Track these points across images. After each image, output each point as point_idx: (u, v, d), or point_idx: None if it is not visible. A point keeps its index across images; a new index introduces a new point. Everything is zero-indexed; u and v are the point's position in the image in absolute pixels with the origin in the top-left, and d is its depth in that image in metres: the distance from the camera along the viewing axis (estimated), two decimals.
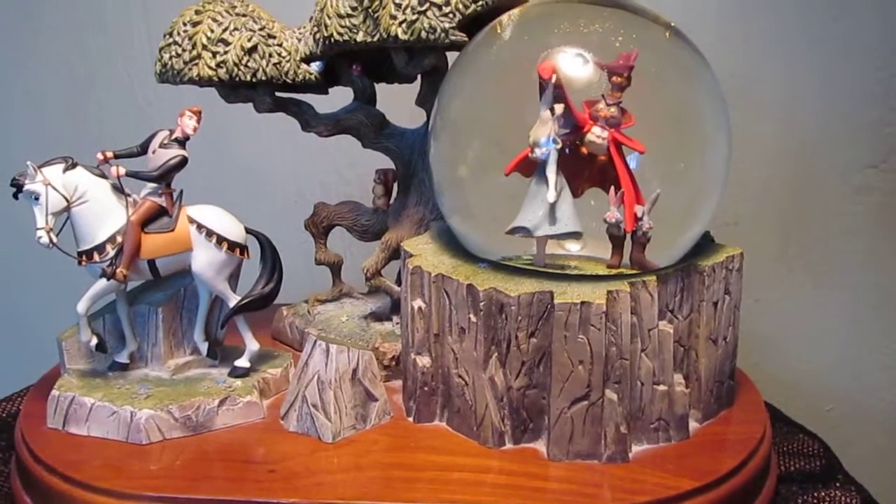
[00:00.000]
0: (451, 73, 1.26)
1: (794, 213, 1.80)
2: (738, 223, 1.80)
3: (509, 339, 1.09)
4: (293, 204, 1.87)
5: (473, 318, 1.11)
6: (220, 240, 1.22)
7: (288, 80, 1.32)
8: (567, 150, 1.12)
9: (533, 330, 1.09)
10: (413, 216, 1.40)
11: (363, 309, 1.50)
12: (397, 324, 1.38)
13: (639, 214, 1.11)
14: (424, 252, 1.24)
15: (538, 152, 1.08)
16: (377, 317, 1.45)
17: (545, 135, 1.08)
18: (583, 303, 1.06)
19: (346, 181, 1.90)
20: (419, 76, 1.40)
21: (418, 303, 1.18)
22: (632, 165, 1.11)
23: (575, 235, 1.10)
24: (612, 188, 1.11)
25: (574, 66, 1.12)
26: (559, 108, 1.08)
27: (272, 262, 1.29)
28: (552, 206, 1.08)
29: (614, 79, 1.10)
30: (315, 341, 1.18)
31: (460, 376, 1.15)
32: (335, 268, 1.56)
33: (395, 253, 1.38)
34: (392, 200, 1.48)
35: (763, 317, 1.82)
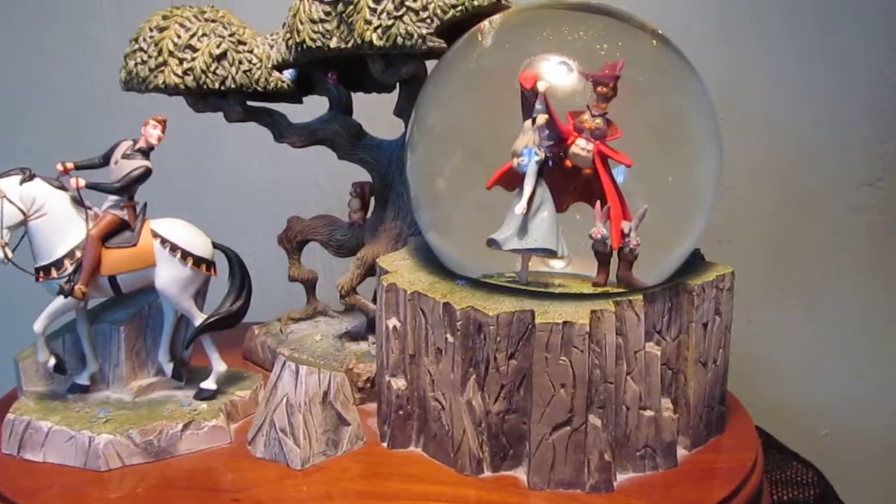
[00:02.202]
0: (429, 81, 1.25)
1: (787, 231, 1.79)
2: (732, 241, 1.78)
3: (488, 361, 1.07)
4: (270, 217, 1.80)
5: (451, 339, 1.09)
6: (186, 255, 1.20)
7: (259, 89, 1.31)
8: (550, 163, 1.11)
9: (513, 351, 1.07)
10: (390, 231, 1.39)
11: (338, 328, 1.48)
12: (373, 344, 1.36)
13: (625, 230, 1.10)
14: (401, 268, 1.23)
15: (516, 162, 1.08)
16: (352, 336, 1.44)
17: (525, 145, 1.07)
18: (565, 323, 1.04)
19: (325, 194, 1.89)
20: (397, 85, 1.39)
21: (393, 322, 1.17)
22: (618, 179, 1.10)
23: (548, 252, 1.09)
24: (598, 203, 1.10)
25: (558, 74, 1.11)
26: (541, 118, 1.07)
27: (241, 278, 1.27)
28: (524, 220, 1.07)
29: (599, 89, 1.09)
30: (284, 362, 1.16)
31: (437, 399, 1.13)
32: (309, 285, 1.54)
33: (372, 269, 1.36)
34: (369, 215, 1.47)
35: (755, 338, 1.81)
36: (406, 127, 1.34)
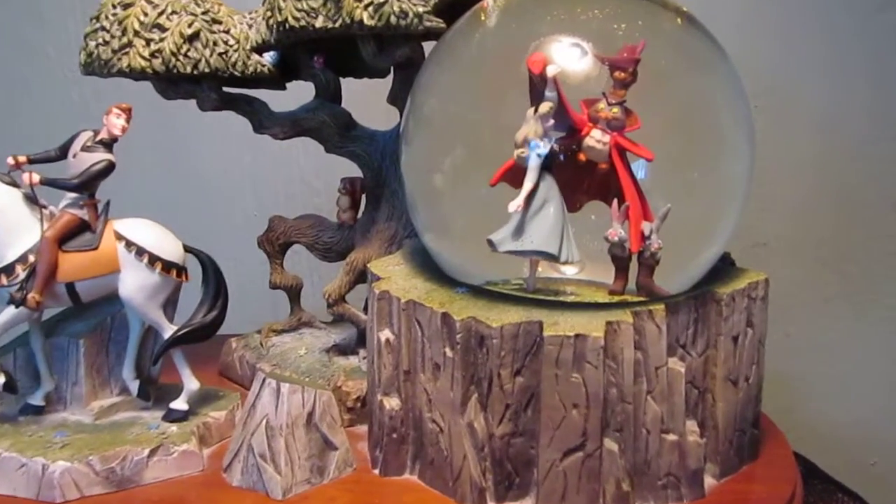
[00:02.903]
0: (426, 65, 1.25)
1: (833, 234, 1.80)
2: (768, 244, 1.80)
3: (491, 378, 1.08)
4: (252, 218, 1.88)
5: (449, 353, 1.10)
6: (153, 259, 1.20)
7: (236, 74, 1.32)
8: (562, 157, 1.12)
9: (519, 367, 1.07)
10: (383, 233, 1.40)
11: (325, 341, 1.50)
12: (364, 358, 1.37)
13: (646, 232, 1.10)
14: (394, 275, 1.23)
15: (516, 154, 1.08)
16: (341, 350, 1.45)
17: (526, 136, 1.08)
18: (577, 335, 1.04)
19: (314, 191, 1.91)
20: (391, 70, 1.41)
21: (386, 334, 1.17)
22: (638, 175, 1.11)
23: (546, 256, 1.09)
24: (615, 201, 1.11)
25: (570, 58, 1.11)
26: (544, 106, 1.07)
27: (215, 285, 1.27)
28: (523, 219, 1.08)
29: (617, 74, 1.10)
30: (264, 379, 1.16)
31: (434, 421, 1.13)
32: (293, 292, 1.56)
33: (362, 276, 1.37)
34: (360, 214, 1.48)
35: (795, 354, 1.81)
36: (401, 116, 1.35)
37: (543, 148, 1.08)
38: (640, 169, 1.12)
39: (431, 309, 1.11)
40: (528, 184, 1.08)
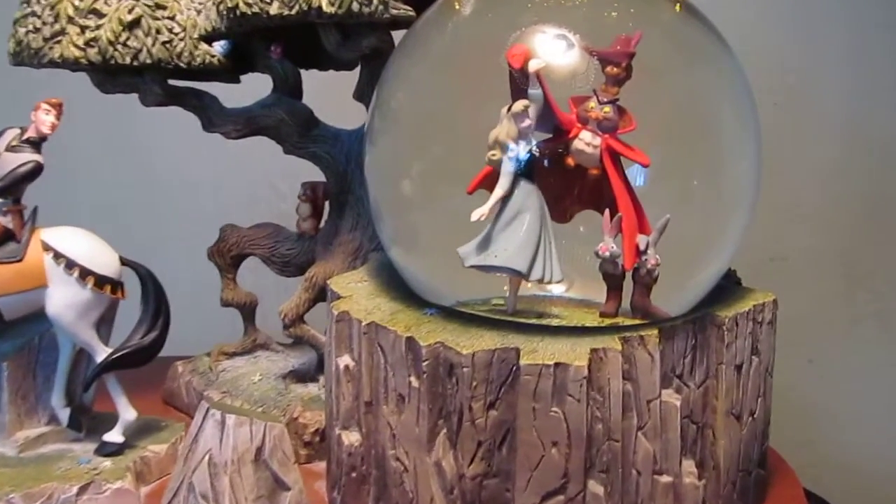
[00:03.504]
0: (394, 57, 1.25)
1: (860, 246, 1.80)
2: (788, 258, 1.79)
3: (461, 412, 1.07)
4: (209, 226, 1.81)
5: (415, 383, 1.09)
6: (85, 273, 1.20)
7: (182, 65, 1.32)
8: (546, 162, 1.13)
9: (493, 400, 1.07)
10: (347, 245, 1.41)
11: (283, 366, 1.50)
12: (325, 387, 1.34)
13: (642, 246, 1.10)
14: (357, 293, 1.23)
15: (487, 156, 1.09)
16: (299, 376, 1.45)
17: (499, 136, 1.08)
18: (557, 364, 1.04)
19: (280, 195, 1.92)
20: (359, 61, 1.41)
21: (345, 360, 1.17)
22: (634, 182, 1.12)
23: (513, 273, 1.09)
24: (607, 212, 1.11)
25: (555, 51, 1.11)
26: (518, 104, 1.07)
27: (155, 302, 1.27)
28: (491, 230, 1.09)
29: (609, 69, 1.10)
30: (207, 409, 1.15)
31: (398, 459, 1.13)
32: (247, 310, 1.56)
33: (324, 293, 1.35)
34: (322, 223, 1.48)
35: (819, 382, 1.81)
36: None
37: (518, 151, 1.08)
38: (637, 175, 1.12)
39: (395, 332, 1.11)
40: (497, 190, 1.08)
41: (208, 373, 1.49)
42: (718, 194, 1.19)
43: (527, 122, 1.07)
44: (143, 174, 1.96)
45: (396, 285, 1.25)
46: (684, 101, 1.18)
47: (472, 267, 1.09)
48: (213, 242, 1.53)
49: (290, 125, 1.42)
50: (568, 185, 1.14)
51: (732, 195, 1.20)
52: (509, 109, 1.08)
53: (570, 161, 1.12)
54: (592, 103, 1.11)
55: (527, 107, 1.07)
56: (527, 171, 1.09)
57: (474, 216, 1.07)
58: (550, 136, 1.12)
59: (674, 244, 1.11)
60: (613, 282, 1.13)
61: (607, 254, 1.11)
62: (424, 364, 1.08)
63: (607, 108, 1.11)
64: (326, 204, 1.50)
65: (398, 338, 1.11)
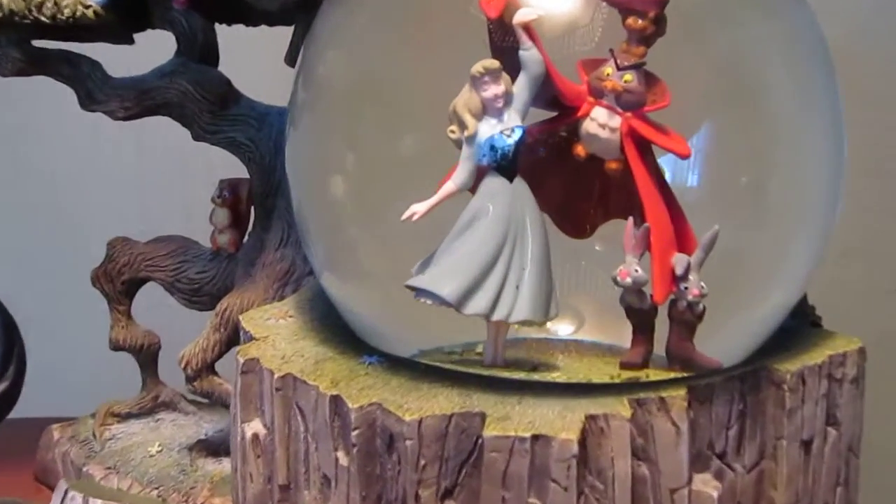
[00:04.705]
0: (325, 6, 1.22)
1: None
2: None
3: (405, 500, 1.03)
4: (140, 236, 1.82)
5: (344, 460, 1.04)
6: None
7: (44, 19, 1.29)
8: (541, 151, 1.10)
9: (448, 486, 1.01)
10: (273, 266, 1.39)
11: (192, 433, 1.49)
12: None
13: (679, 270, 1.04)
14: (276, 333, 1.19)
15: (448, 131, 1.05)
16: (213, 448, 1.44)
17: (456, 107, 1.04)
18: (536, 437, 0.97)
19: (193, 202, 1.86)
20: (291, 15, 1.39)
21: (255, 427, 1.13)
22: (670, 178, 1.08)
23: (438, 301, 1.04)
24: (630, 222, 1.06)
25: None
26: (480, 65, 1.02)
27: (5, 343, 1.28)
28: (445, 245, 1.05)
29: (632, 21, 1.04)
30: (66, 492, 1.14)
31: None
32: (145, 356, 1.55)
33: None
34: (246, 237, 1.47)
35: None
36: None
37: (482, 131, 1.03)
38: (674, 169, 1.08)
39: (318, 389, 1.06)
40: (448, 184, 1.04)
41: (91, 441, 1.47)
42: (784, 196, 1.15)
43: (492, 91, 1.02)
44: (37, 170, 1.99)
45: (333, 323, 1.22)
46: (738, 67, 1.14)
47: (407, 288, 1.06)
48: (100, 263, 1.52)
49: (199, 101, 1.42)
50: (580, 184, 1.11)
51: (804, 198, 1.16)
52: (478, 76, 1.03)
53: (580, 150, 1.07)
54: (609, 69, 1.05)
55: (490, 70, 1.02)
56: (501, 160, 1.04)
57: (406, 214, 1.04)
58: (556, 114, 1.08)
59: (720, 266, 1.06)
60: (640, 319, 1.08)
61: (629, 280, 1.05)
62: (355, 434, 1.03)
63: (629, 76, 1.04)
64: (252, 210, 1.49)
65: (321, 397, 1.06)
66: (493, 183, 1.04)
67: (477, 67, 1.01)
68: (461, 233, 1.04)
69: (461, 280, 1.03)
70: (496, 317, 1.04)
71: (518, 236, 1.04)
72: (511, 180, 1.04)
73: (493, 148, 1.03)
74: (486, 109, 1.03)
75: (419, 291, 1.05)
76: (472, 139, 1.03)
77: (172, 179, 2.00)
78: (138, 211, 2.01)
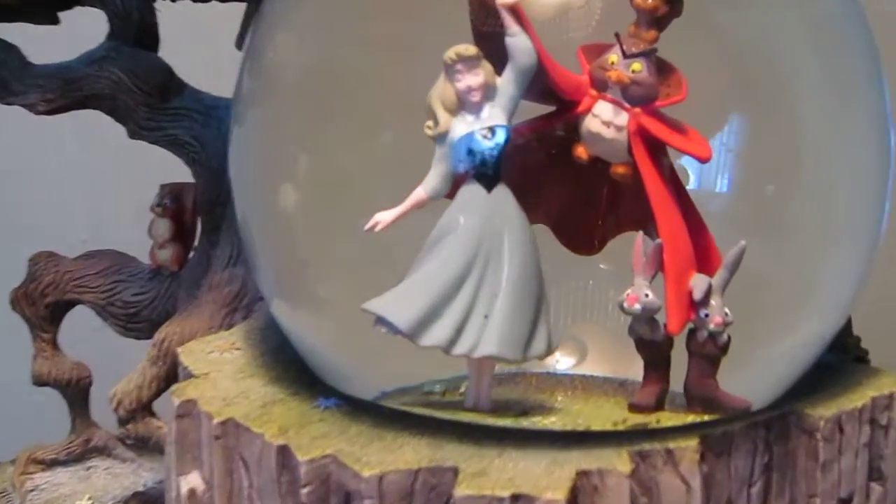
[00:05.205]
0: None
1: None
2: None
3: None
4: (81, 245, 1.81)
5: None
6: None
7: None
8: (536, 153, 1.08)
9: None
10: (221, 289, 1.39)
11: (128, 483, 1.48)
12: None
13: (698, 294, 1.02)
14: (220, 369, 1.19)
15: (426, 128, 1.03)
16: (149, 501, 1.43)
17: (430, 101, 1.02)
18: (517, 497, 0.95)
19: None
20: None
21: (192, 481, 1.10)
22: (690, 185, 1.08)
23: (390, 328, 1.01)
24: (640, 237, 1.04)
25: None
26: (452, 51, 0.99)
27: None
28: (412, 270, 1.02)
29: (640, 0, 1.03)
30: None
31: None
32: (74, 393, 1.53)
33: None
34: (191, 253, 1.45)
35: None
36: None
37: (455, 130, 1.00)
38: (699, 175, 1.09)
39: (263, 438, 1.03)
40: (417, 191, 1.02)
41: (10, 492, 1.46)
42: (820, 207, 1.13)
43: (466, 82, 1.00)
44: None
45: (287, 358, 1.22)
46: (765, 54, 1.13)
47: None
48: (22, 282, 1.53)
49: (135, 92, 1.41)
50: (584, 191, 1.10)
51: (844, 209, 1.15)
52: (450, 64, 1.01)
53: (581, 152, 1.05)
54: (614, 57, 1.03)
55: (463, 56, 0.99)
56: (480, 166, 1.01)
57: (369, 223, 1.02)
58: (553, 109, 1.07)
59: (745, 289, 1.04)
60: (652, 353, 1.06)
61: (637, 307, 1.02)
62: (305, 491, 1.00)
63: (638, 65, 1.03)
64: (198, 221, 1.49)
65: (267, 446, 1.03)
66: (468, 192, 1.01)
67: (449, 53, 0.99)
68: (430, 250, 1.02)
69: (419, 305, 1.01)
70: (457, 350, 1.00)
71: (491, 256, 1.01)
72: (489, 189, 1.01)
73: (470, 152, 1.00)
74: (463, 104, 1.00)
75: (378, 319, 1.02)
76: (444, 138, 1.01)
77: (122, 177, 1.98)
78: (84, 215, 2.01)
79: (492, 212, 1.01)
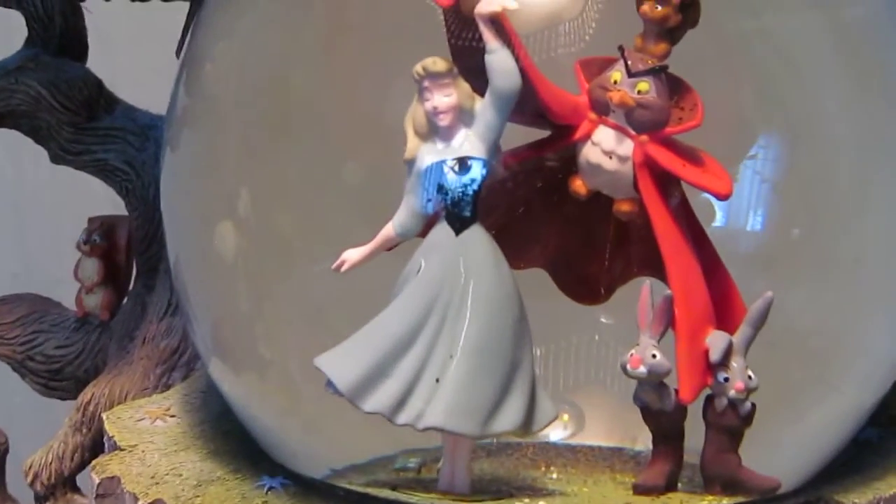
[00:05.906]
0: None
1: None
2: None
3: None
4: (11, 279, 1.88)
5: None
6: None
7: None
8: (525, 187, 1.07)
9: None
10: (157, 342, 1.40)
11: None
12: None
13: (716, 355, 1.00)
14: (149, 440, 1.19)
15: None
16: None
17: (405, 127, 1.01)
18: None
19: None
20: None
21: None
22: (708, 226, 1.08)
23: (335, 391, 1.00)
24: (646, 286, 1.03)
25: None
26: (420, 65, 0.97)
27: None
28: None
29: (648, 8, 1.01)
30: None
31: None
32: None
33: None
34: (124, 300, 1.45)
35: None
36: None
37: (422, 159, 0.99)
38: (720, 213, 1.08)
39: None
40: (386, 227, 1.01)
41: None
42: (861, 250, 1.12)
43: (433, 102, 0.98)
44: None
45: (228, 428, 1.22)
46: (790, 71, 1.13)
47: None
48: None
49: (57, 109, 1.41)
50: (584, 232, 1.10)
51: (889, 252, 1.14)
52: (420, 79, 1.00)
53: (579, 185, 1.04)
54: (618, 74, 1.02)
55: (431, 73, 0.97)
56: (450, 205, 0.99)
57: (336, 262, 1.02)
58: (547, 135, 1.07)
59: (771, 350, 1.03)
60: (661, 425, 1.04)
61: (642, 370, 1.00)
62: None
63: (645, 85, 1.01)
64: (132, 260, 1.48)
65: None
66: (436, 232, 1.00)
67: (416, 67, 0.98)
68: (396, 295, 1.01)
69: (363, 363, 0.99)
70: (401, 419, 0.98)
71: (450, 309, 0.99)
72: (458, 232, 0.99)
73: (440, 188, 0.98)
74: (431, 128, 0.99)
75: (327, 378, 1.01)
76: (412, 165, 0.99)
77: (60, 203, 1.98)
78: (14, 245, 2.02)
79: (456, 257, 0.99)
